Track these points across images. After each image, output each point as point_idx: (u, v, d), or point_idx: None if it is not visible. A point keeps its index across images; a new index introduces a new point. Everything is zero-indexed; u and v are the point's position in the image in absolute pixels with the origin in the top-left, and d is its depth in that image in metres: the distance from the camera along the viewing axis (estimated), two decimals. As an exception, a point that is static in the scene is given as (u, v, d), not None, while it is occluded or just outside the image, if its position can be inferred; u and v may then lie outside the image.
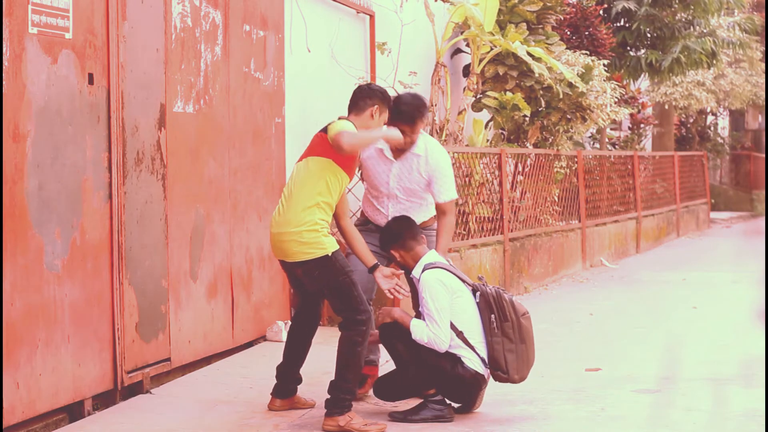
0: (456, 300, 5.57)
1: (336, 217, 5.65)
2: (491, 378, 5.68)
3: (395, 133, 5.52)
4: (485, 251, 10.25)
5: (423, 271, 5.60)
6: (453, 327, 5.54)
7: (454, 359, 5.55)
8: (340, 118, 5.58)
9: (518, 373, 5.63)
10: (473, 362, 5.57)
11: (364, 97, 5.61)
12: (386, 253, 5.77)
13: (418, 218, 5.93)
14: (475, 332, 5.59)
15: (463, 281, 5.68)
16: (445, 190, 5.91)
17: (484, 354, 5.58)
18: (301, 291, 5.77)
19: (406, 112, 5.80)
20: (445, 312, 5.51)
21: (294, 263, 5.45)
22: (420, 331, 5.51)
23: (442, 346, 5.51)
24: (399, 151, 5.91)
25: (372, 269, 5.58)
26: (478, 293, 5.66)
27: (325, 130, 5.48)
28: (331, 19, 9.52)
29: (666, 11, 16.98)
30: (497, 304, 5.61)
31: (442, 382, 5.57)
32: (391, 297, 5.65)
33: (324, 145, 5.42)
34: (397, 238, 5.69)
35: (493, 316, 5.59)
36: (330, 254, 5.35)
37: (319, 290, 5.55)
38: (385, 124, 5.68)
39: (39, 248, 5.19)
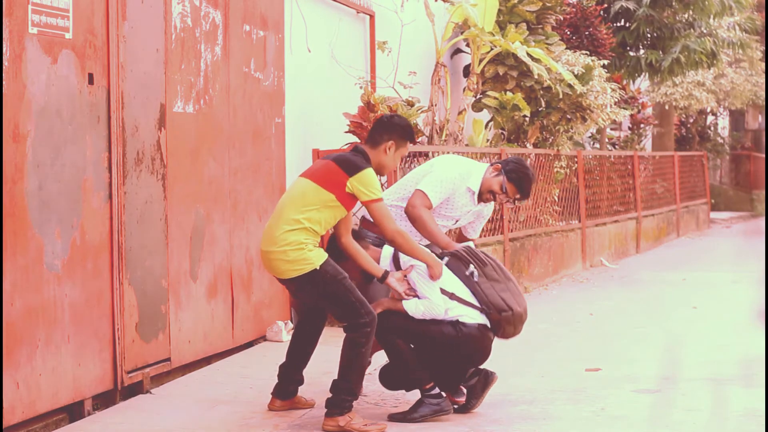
0: None
1: (337, 235, 5.57)
2: (497, 327, 5.64)
3: (438, 269, 5.52)
4: (485, 251, 10.24)
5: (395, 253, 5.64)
6: (444, 291, 5.55)
7: (454, 323, 5.55)
8: (354, 147, 5.51)
9: (520, 305, 5.65)
10: (473, 317, 5.58)
11: (382, 132, 5.50)
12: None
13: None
14: (462, 290, 5.61)
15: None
16: (479, 230, 6.29)
17: (479, 305, 5.61)
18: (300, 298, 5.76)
19: (526, 190, 5.94)
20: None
21: (284, 280, 5.43)
22: (414, 306, 5.52)
23: (439, 311, 5.51)
24: (480, 199, 6.01)
25: (383, 278, 5.53)
26: (445, 258, 5.68)
27: (345, 166, 5.30)
28: (331, 19, 9.52)
29: (666, 11, 16.98)
30: (471, 255, 5.67)
31: (453, 348, 5.55)
32: (407, 299, 5.62)
33: (334, 182, 5.31)
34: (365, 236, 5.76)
35: (471, 265, 5.62)
36: (318, 267, 5.29)
37: (316, 302, 5.55)
38: (402, 157, 5.67)
39: (39, 248, 5.19)
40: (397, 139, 5.52)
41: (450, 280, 5.61)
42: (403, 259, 5.59)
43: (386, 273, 5.53)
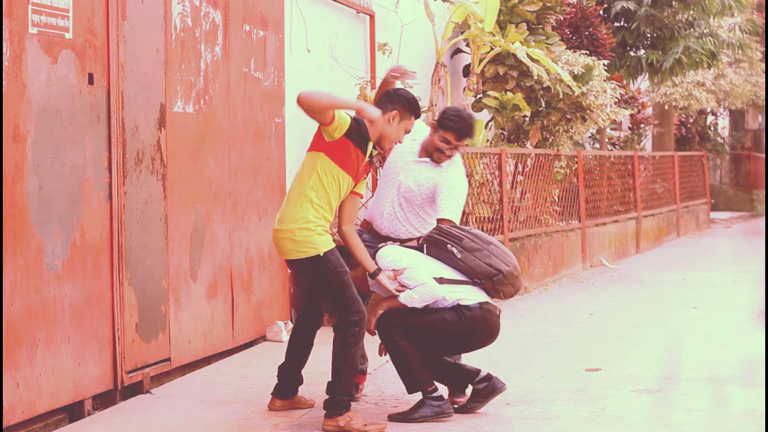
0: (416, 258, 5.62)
1: (339, 220, 5.58)
2: (495, 293, 5.66)
3: (372, 111, 5.33)
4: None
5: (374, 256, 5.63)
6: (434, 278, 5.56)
7: (455, 308, 5.55)
8: (354, 118, 5.53)
9: (507, 264, 5.60)
10: (470, 296, 5.58)
11: (386, 101, 5.53)
12: None
13: (403, 234, 5.92)
14: (450, 272, 5.60)
15: (410, 247, 5.71)
16: (446, 207, 5.80)
17: (471, 280, 5.61)
18: (304, 290, 5.77)
19: (465, 129, 5.77)
20: (416, 263, 5.53)
21: (288, 261, 5.46)
22: (408, 296, 5.51)
23: (437, 293, 5.50)
24: (433, 159, 5.86)
25: (374, 274, 5.55)
26: (424, 246, 5.67)
27: None
28: (331, 19, 9.52)
29: (666, 11, 16.98)
30: (443, 234, 5.62)
31: (459, 333, 5.56)
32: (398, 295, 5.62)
33: (316, 138, 5.38)
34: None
35: (448, 245, 5.59)
36: (322, 254, 5.30)
37: (312, 289, 5.56)
38: (406, 132, 5.58)
39: (39, 248, 5.19)
40: (402, 109, 5.50)
41: (436, 267, 5.60)
42: (382, 262, 5.58)
43: (378, 270, 5.54)
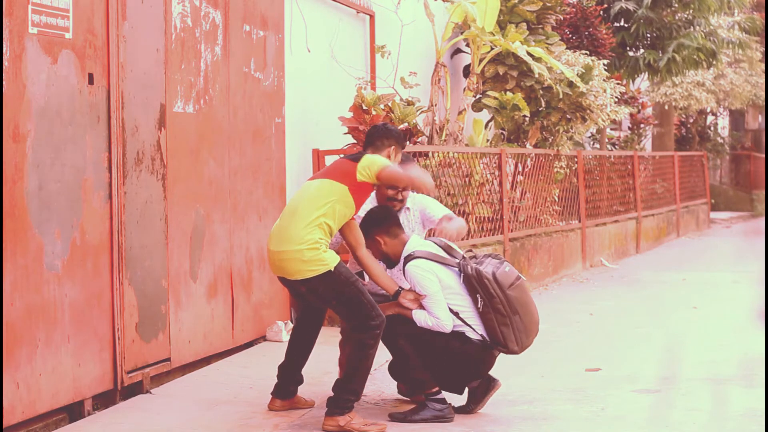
0: (442, 283, 5.60)
1: (351, 249, 5.65)
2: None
3: (429, 185, 5.58)
4: (485, 251, 10.25)
5: (404, 263, 5.61)
6: (450, 309, 5.56)
7: (460, 336, 5.57)
8: (353, 150, 5.65)
9: (517, 344, 5.64)
10: (476, 335, 5.61)
11: (381, 137, 5.71)
12: (367, 237, 5.73)
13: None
14: (469, 311, 5.61)
15: (447, 264, 5.66)
16: (439, 210, 6.03)
17: (481, 331, 5.61)
18: (303, 300, 5.76)
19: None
20: (439, 295, 5.54)
21: (296, 281, 5.42)
22: (423, 318, 5.54)
23: (447, 328, 5.55)
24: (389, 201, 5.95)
25: (396, 295, 5.58)
26: (462, 275, 5.66)
27: (353, 158, 5.51)
28: (331, 19, 9.53)
29: (665, 11, 16.98)
30: (479, 284, 5.60)
31: (457, 360, 5.57)
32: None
33: (345, 172, 5.44)
34: (383, 222, 5.69)
35: (478, 296, 5.60)
36: (333, 269, 5.34)
37: (326, 305, 5.56)
38: (398, 163, 5.76)
39: (39, 248, 5.19)
40: (396, 144, 5.76)
41: (458, 299, 5.61)
42: (409, 276, 5.56)
43: (399, 290, 5.57)
